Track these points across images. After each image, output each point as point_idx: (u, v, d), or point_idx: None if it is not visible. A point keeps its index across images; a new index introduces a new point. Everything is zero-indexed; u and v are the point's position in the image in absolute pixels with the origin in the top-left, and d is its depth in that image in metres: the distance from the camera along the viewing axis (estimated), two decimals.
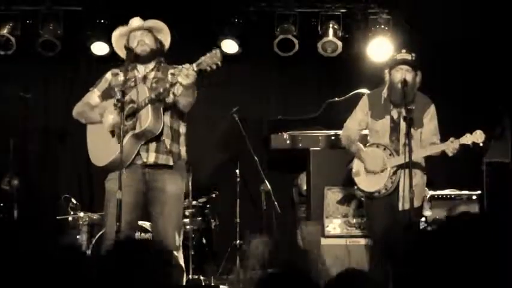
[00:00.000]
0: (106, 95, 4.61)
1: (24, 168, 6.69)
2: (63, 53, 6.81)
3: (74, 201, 5.98)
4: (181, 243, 4.49)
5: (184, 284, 4.60)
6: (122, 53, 4.64)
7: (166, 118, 4.44)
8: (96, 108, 4.57)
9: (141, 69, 4.56)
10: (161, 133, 4.37)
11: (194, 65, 4.16)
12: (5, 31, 6.64)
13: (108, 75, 4.65)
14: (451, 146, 4.51)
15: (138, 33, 4.57)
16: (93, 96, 4.63)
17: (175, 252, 4.38)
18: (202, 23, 6.89)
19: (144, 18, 4.79)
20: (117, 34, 4.68)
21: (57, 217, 6.00)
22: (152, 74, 4.52)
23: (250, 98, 7.16)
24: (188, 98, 4.37)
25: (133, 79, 4.52)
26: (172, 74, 4.43)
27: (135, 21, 4.67)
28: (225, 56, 6.88)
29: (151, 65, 4.56)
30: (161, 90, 4.28)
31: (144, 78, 4.48)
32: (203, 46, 6.85)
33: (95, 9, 6.78)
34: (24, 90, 6.36)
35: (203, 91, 7.07)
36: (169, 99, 4.39)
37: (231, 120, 6.45)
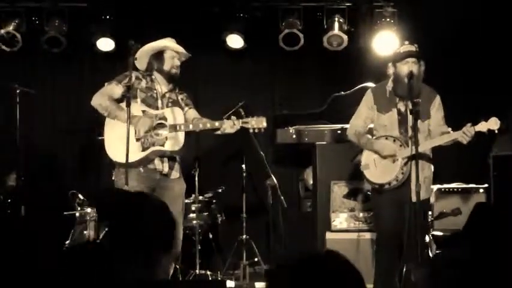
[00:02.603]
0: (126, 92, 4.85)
1: (31, 165, 6.71)
2: (68, 49, 6.82)
3: (81, 196, 5.99)
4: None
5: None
6: (143, 62, 4.97)
7: None
8: (122, 108, 4.75)
9: (162, 84, 4.95)
10: None
11: (240, 121, 4.72)
12: (10, 28, 6.65)
13: (133, 75, 4.84)
14: (466, 134, 4.48)
15: (176, 57, 4.97)
16: (117, 89, 4.83)
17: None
18: (208, 18, 6.88)
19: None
20: (154, 47, 4.95)
21: (65, 213, 6.01)
22: (168, 95, 4.96)
23: (255, 92, 7.15)
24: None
25: (155, 91, 4.93)
26: (182, 99, 5.04)
27: (177, 46, 5.00)
28: (231, 51, 6.98)
29: (171, 85, 4.99)
30: (201, 127, 4.75)
31: (163, 95, 4.92)
32: (209, 41, 6.97)
33: (99, 5, 6.78)
34: (27, 86, 6.36)
35: (209, 86, 7.17)
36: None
37: (236, 115, 6.44)
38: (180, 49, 5.00)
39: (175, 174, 4.86)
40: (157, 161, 4.77)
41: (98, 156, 4.83)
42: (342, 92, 6.39)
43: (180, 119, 4.80)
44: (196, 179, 6.03)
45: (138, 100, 4.83)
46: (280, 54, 6.98)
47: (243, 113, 6.36)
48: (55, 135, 7.14)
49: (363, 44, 6.82)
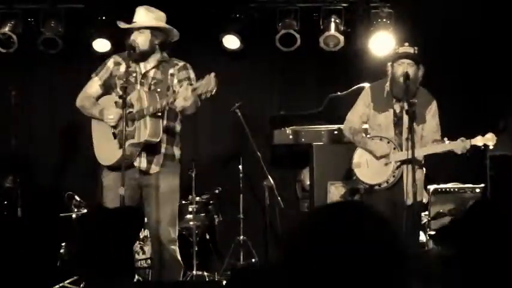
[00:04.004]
0: (107, 84, 4.62)
1: (27, 166, 6.70)
2: (64, 50, 6.80)
3: (77, 198, 5.98)
4: (176, 238, 4.60)
5: (181, 278, 4.68)
6: None
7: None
8: (97, 104, 4.58)
9: (144, 64, 4.54)
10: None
11: (190, 89, 4.13)
12: (6, 29, 6.64)
13: (110, 63, 4.63)
14: (462, 146, 4.51)
15: (137, 31, 4.50)
16: (94, 85, 4.62)
17: (172, 246, 4.53)
18: (204, 18, 6.88)
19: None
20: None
21: (61, 214, 6.00)
22: (152, 73, 4.52)
23: (252, 93, 7.15)
24: (188, 111, 4.40)
25: (134, 74, 4.51)
26: (172, 75, 4.50)
27: (143, 17, 4.56)
28: (227, 52, 6.97)
29: (152, 62, 4.54)
30: (158, 106, 4.29)
31: (144, 76, 4.48)
32: (205, 42, 6.96)
33: (96, 6, 6.77)
34: (22, 88, 6.36)
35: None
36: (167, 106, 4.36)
37: (233, 116, 6.45)
38: (142, 21, 4.49)
39: (155, 168, 4.49)
40: (137, 157, 4.43)
41: (94, 158, 4.72)
42: (339, 93, 6.39)
43: (143, 104, 4.31)
44: (193, 180, 6.02)
45: (117, 89, 4.48)
46: (277, 55, 6.98)
47: (239, 114, 6.39)
48: (52, 136, 7.12)
49: (360, 45, 6.82)
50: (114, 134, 4.49)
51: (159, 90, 4.50)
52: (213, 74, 4.11)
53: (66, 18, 6.77)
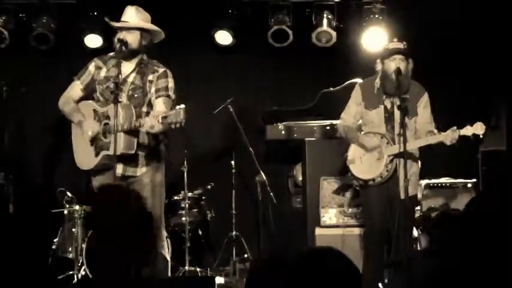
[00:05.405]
0: (89, 88, 4.59)
1: (19, 162, 6.68)
2: (56, 46, 6.78)
3: (69, 194, 5.97)
4: (163, 234, 4.60)
5: (169, 274, 4.67)
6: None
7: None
8: (77, 111, 4.54)
9: (124, 68, 4.45)
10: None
11: (160, 117, 4.08)
12: None
13: (92, 67, 4.59)
14: (451, 136, 4.51)
15: (126, 30, 4.47)
16: (76, 89, 4.59)
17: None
18: (196, 14, 6.87)
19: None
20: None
21: (52, 211, 5.98)
22: (131, 78, 4.46)
23: (244, 89, 7.15)
24: (160, 131, 4.35)
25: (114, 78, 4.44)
26: (150, 82, 4.44)
27: (134, 17, 4.54)
28: (220, 48, 6.97)
29: (133, 64, 4.48)
30: (132, 126, 4.25)
31: (124, 81, 4.42)
32: (197, 38, 6.95)
33: (88, 1, 6.75)
34: (21, 85, 6.35)
35: (198, 83, 7.16)
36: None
37: (225, 111, 6.45)
38: (130, 18, 4.47)
39: (141, 170, 4.48)
40: (117, 165, 4.33)
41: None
42: (331, 88, 6.39)
43: (118, 118, 4.22)
44: (186, 175, 6.02)
45: (97, 94, 4.50)
46: (269, 51, 6.97)
47: (231, 110, 6.39)
48: (44, 132, 7.10)
49: (352, 41, 6.82)
50: (91, 140, 4.46)
51: (136, 96, 4.46)
52: (182, 106, 4.06)
53: (57, 14, 6.75)
